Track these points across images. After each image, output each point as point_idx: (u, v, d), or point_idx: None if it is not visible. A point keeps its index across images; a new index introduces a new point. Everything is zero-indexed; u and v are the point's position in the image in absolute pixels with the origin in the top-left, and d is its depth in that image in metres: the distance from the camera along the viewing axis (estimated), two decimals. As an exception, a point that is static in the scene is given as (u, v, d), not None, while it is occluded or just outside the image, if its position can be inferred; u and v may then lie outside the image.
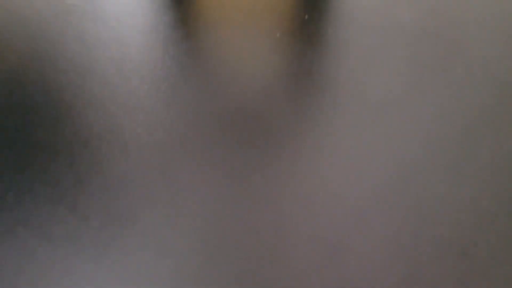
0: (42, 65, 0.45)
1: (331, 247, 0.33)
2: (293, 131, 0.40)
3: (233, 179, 0.36)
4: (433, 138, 0.40)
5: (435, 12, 0.52)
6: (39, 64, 0.45)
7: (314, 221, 0.34)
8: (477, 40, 0.48)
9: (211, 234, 0.33)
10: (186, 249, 0.32)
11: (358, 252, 0.33)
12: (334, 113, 0.41)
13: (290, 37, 0.48)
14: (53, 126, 0.40)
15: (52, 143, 0.38)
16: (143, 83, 0.43)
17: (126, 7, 0.51)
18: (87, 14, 0.50)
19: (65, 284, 0.31)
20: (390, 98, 0.43)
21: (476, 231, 0.34)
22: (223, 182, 0.36)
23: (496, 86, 0.44)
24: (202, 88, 0.43)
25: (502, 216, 0.35)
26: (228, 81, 0.44)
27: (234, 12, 0.51)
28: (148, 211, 0.34)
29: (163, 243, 0.33)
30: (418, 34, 0.49)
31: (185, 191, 0.36)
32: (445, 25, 0.50)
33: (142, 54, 0.46)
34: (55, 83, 0.43)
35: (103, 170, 0.37)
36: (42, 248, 0.33)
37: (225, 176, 0.36)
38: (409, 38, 0.49)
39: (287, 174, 0.37)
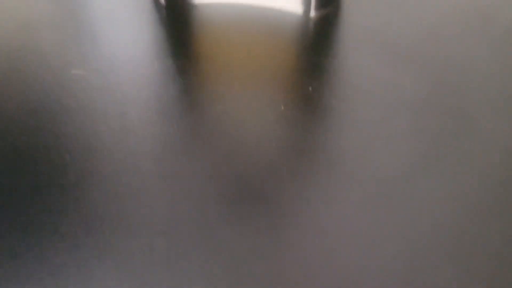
0: (45, 141, 0.44)
1: None
2: (298, 209, 0.40)
3: (236, 267, 0.36)
4: (442, 215, 0.39)
5: (440, 82, 0.52)
6: (42, 140, 0.45)
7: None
8: (484, 111, 0.48)
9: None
10: None
11: None
12: (339, 190, 0.41)
13: (295, 110, 0.48)
14: (55, 208, 0.39)
15: (54, 226, 0.38)
16: (147, 160, 0.43)
17: (131, 77, 0.52)
18: (92, 85, 0.50)
19: None
20: (397, 174, 0.42)
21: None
22: (225, 271, 0.35)
23: (506, 159, 0.44)
24: (206, 165, 0.43)
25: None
26: (233, 157, 0.43)
27: (238, 84, 0.51)
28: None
29: None
30: (423, 105, 0.49)
31: (187, 282, 0.35)
32: (450, 96, 0.50)
33: (147, 128, 0.46)
34: (58, 161, 0.43)
35: (106, 255, 0.36)
36: None
37: (227, 264, 0.36)
38: (414, 109, 0.48)
39: (293, 259, 0.36)
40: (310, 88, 0.50)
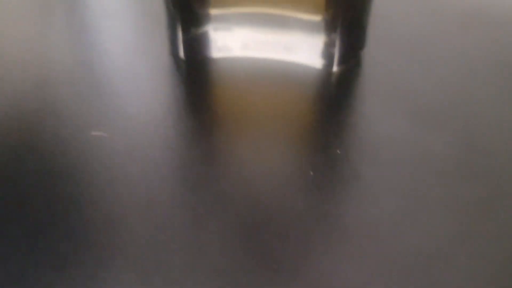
0: (64, 208, 0.43)
1: None
2: (326, 281, 0.38)
3: None
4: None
5: (469, 143, 0.50)
6: (60, 207, 0.43)
7: None
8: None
9: None
10: None
11: None
12: (369, 264, 0.39)
13: (324, 175, 0.46)
14: (75, 284, 0.37)
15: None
16: (174, 234, 0.41)
17: (152, 138, 0.50)
18: (114, 147, 0.49)
19: None
20: (429, 249, 0.41)
21: None
22: None
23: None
24: (231, 236, 0.41)
25: None
26: (257, 227, 0.42)
27: (263, 146, 0.49)
28: None
29: None
30: (454, 170, 0.47)
31: None
32: (481, 158, 0.49)
33: (171, 198, 0.44)
34: (81, 233, 0.41)
35: None
36: None
37: None
38: (445, 175, 0.47)
39: None
40: (338, 151, 0.48)
